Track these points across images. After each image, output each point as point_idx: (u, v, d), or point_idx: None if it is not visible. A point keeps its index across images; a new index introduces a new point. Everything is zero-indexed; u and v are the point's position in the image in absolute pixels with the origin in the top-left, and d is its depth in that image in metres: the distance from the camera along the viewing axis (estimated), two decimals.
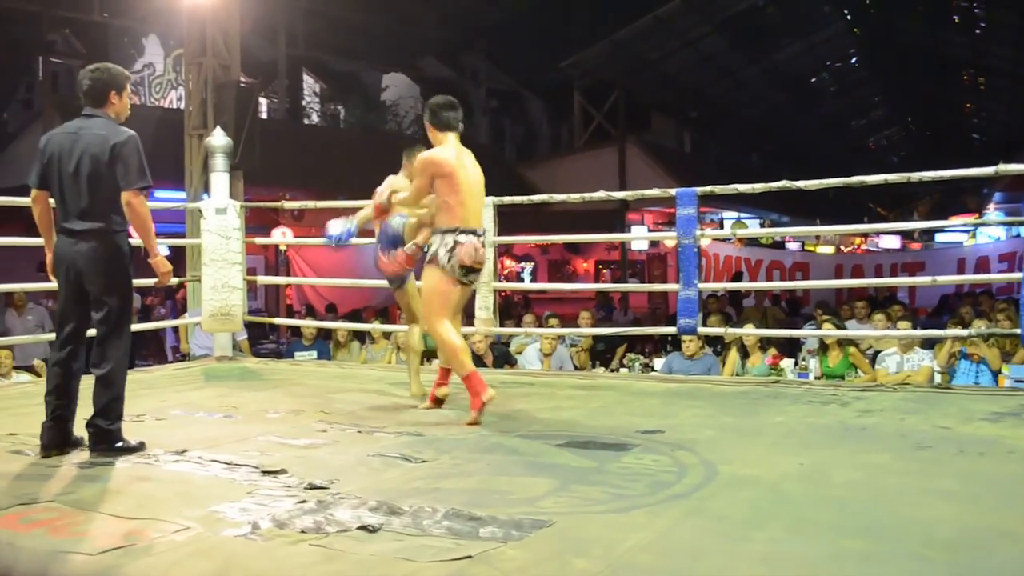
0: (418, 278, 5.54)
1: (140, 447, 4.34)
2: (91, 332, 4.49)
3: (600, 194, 7.09)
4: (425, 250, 5.25)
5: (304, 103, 21.92)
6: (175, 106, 19.27)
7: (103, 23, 17.42)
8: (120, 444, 4.32)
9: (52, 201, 4.47)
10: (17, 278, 8.00)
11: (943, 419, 4.88)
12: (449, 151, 5.12)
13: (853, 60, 27.63)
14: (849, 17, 23.86)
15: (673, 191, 6.58)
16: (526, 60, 23.87)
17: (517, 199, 7.60)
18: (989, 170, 5.94)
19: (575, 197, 7.15)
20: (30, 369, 8.18)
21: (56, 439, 4.30)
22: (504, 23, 21.29)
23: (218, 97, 11.01)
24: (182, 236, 11.09)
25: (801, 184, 6.33)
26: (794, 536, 2.96)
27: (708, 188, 6.50)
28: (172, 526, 3.07)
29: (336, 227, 5.90)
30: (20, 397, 6.13)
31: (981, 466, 3.89)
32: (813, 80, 28.07)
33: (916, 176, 6.07)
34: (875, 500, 3.38)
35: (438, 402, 5.50)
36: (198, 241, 8.10)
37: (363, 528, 3.01)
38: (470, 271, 5.13)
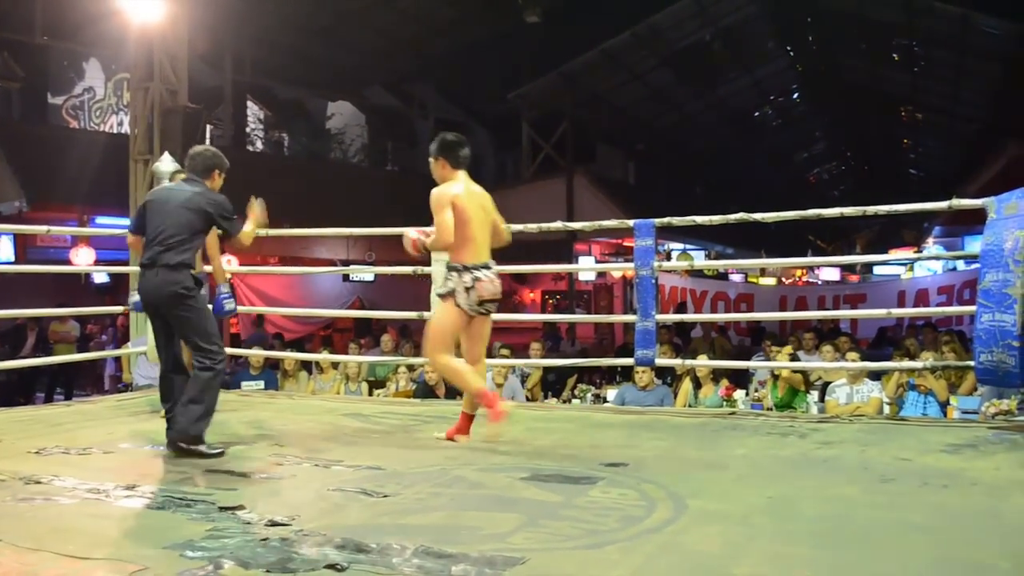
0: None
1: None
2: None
3: (557, 224, 7.07)
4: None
5: (248, 130, 21.68)
6: (115, 131, 18.95)
7: (43, 46, 17.06)
8: None
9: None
10: None
11: (902, 451, 4.90)
12: (459, 186, 5.20)
13: (796, 95, 28.12)
14: (792, 53, 24.32)
15: (631, 222, 6.57)
16: (472, 91, 23.93)
17: None
18: (943, 204, 6.03)
19: (532, 227, 7.11)
20: None
21: None
22: (451, 54, 21.30)
23: (165, 122, 10.82)
24: (126, 263, 10.84)
25: (758, 216, 6.36)
26: (772, 571, 2.92)
27: (666, 220, 6.49)
28: (129, 566, 2.93)
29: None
30: None
31: (947, 499, 3.89)
32: (756, 114, 28.50)
33: (872, 210, 6.13)
34: (848, 534, 3.36)
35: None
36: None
37: (331, 567, 2.91)
38: (487, 302, 5.23)
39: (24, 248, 14.29)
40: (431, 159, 5.35)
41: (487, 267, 5.23)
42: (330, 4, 17.02)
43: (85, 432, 5.76)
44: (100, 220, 13.70)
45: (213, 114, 17.76)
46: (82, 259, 12.80)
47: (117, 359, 11.92)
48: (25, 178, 13.71)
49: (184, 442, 4.82)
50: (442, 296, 5.22)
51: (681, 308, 16.88)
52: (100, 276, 16.19)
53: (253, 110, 22.12)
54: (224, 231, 5.35)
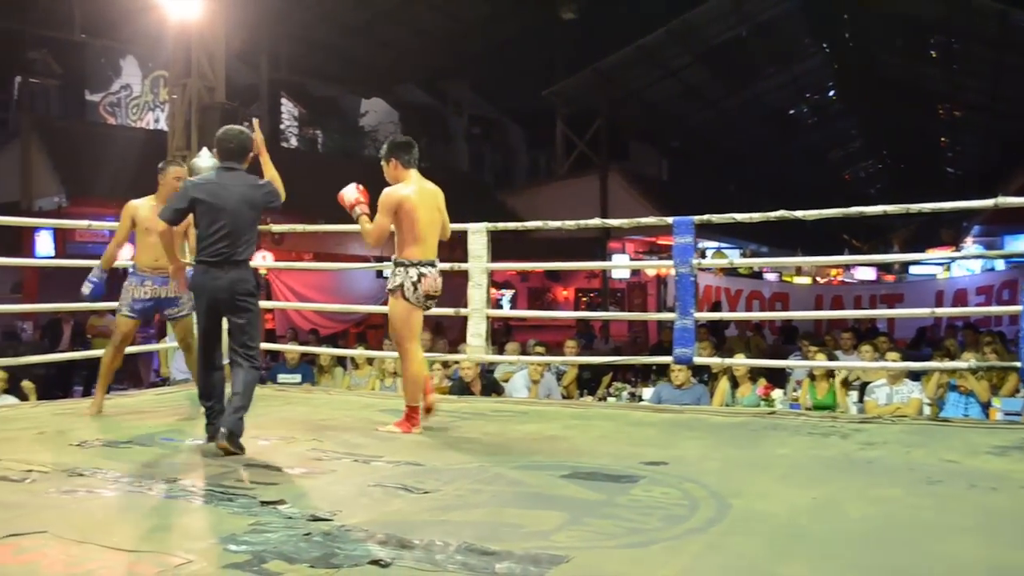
0: None
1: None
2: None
3: (595, 221, 7.05)
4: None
5: (283, 127, 21.79)
6: (152, 127, 19.11)
7: (81, 43, 17.24)
8: None
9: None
10: None
11: (948, 452, 4.82)
12: (410, 188, 5.49)
13: (831, 93, 27.88)
14: (828, 50, 24.10)
15: (670, 219, 6.51)
16: (506, 88, 23.90)
17: (511, 225, 7.53)
18: (988, 202, 5.93)
19: (570, 224, 7.07)
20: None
21: None
22: (485, 51, 21.31)
23: (202, 119, 10.89)
24: None
25: (799, 214, 6.29)
26: (820, 573, 2.88)
27: (705, 217, 6.44)
28: (174, 559, 2.94)
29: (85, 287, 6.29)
30: (1, 421, 5.95)
31: (996, 501, 3.82)
32: (792, 112, 28.29)
33: (915, 207, 6.04)
34: (895, 536, 3.31)
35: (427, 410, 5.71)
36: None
37: (375, 563, 2.89)
38: (429, 298, 5.58)
39: (64, 243, 14.45)
40: (382, 162, 5.61)
41: (432, 264, 5.57)
42: (365, 1, 17.06)
43: (125, 426, 5.79)
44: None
45: (248, 111, 17.86)
46: (124, 254, 12.90)
47: (156, 353, 12.02)
48: (64, 174, 13.88)
49: (237, 442, 4.79)
50: (392, 291, 5.54)
51: (716, 307, 16.78)
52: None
53: (288, 107, 22.24)
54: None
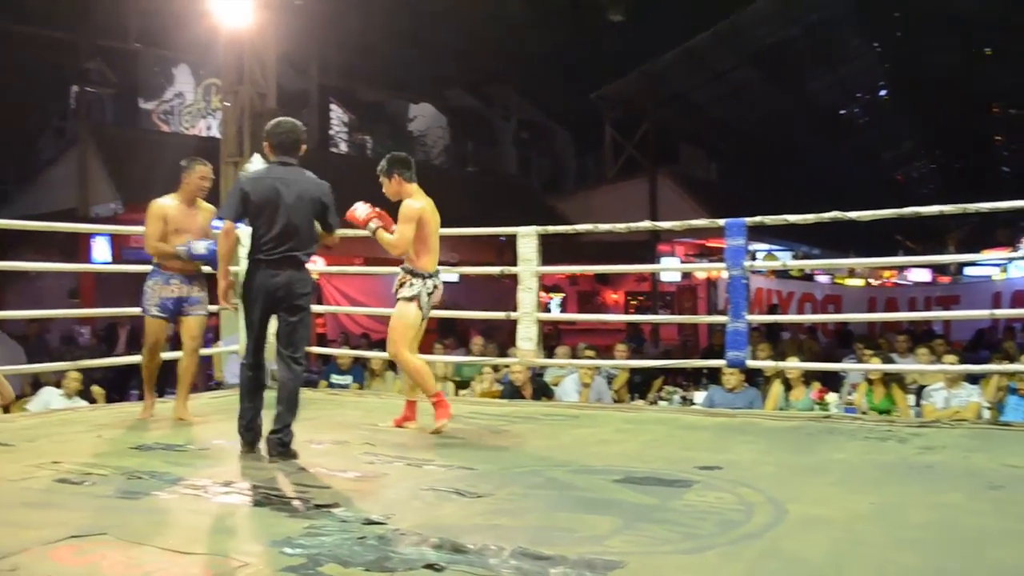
0: None
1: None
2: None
3: (646, 223, 7.02)
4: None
5: (332, 133, 21.97)
6: (204, 134, 19.36)
7: (135, 52, 17.53)
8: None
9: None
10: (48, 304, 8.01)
11: (1010, 457, 4.73)
12: (421, 202, 5.69)
13: (882, 92, 27.49)
14: (879, 49, 23.76)
15: (722, 221, 6.46)
16: (553, 91, 23.88)
17: (561, 229, 7.52)
18: None
19: (620, 227, 7.04)
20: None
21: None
22: (532, 55, 21.30)
23: (254, 125, 10.99)
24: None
25: (853, 215, 6.21)
26: None
27: (758, 218, 6.38)
28: (231, 562, 2.97)
29: (199, 247, 6.04)
30: (60, 424, 6.06)
31: None
32: (842, 112, 27.93)
33: (972, 207, 5.94)
34: (957, 542, 3.25)
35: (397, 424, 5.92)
36: (235, 268, 8.03)
37: (429, 567, 2.89)
38: (433, 308, 5.82)
39: (120, 248, 14.69)
40: (383, 178, 5.73)
41: (439, 275, 5.80)
42: (413, 7, 17.14)
43: (180, 429, 5.88)
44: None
45: (298, 117, 18.04)
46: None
47: (208, 357, 12.15)
48: (120, 181, 14.11)
49: (291, 451, 4.78)
50: (408, 299, 5.66)
51: (773, 310, 16.63)
52: None
53: (337, 113, 22.41)
54: (328, 226, 5.10)
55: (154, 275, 6.12)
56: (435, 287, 5.73)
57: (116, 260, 14.21)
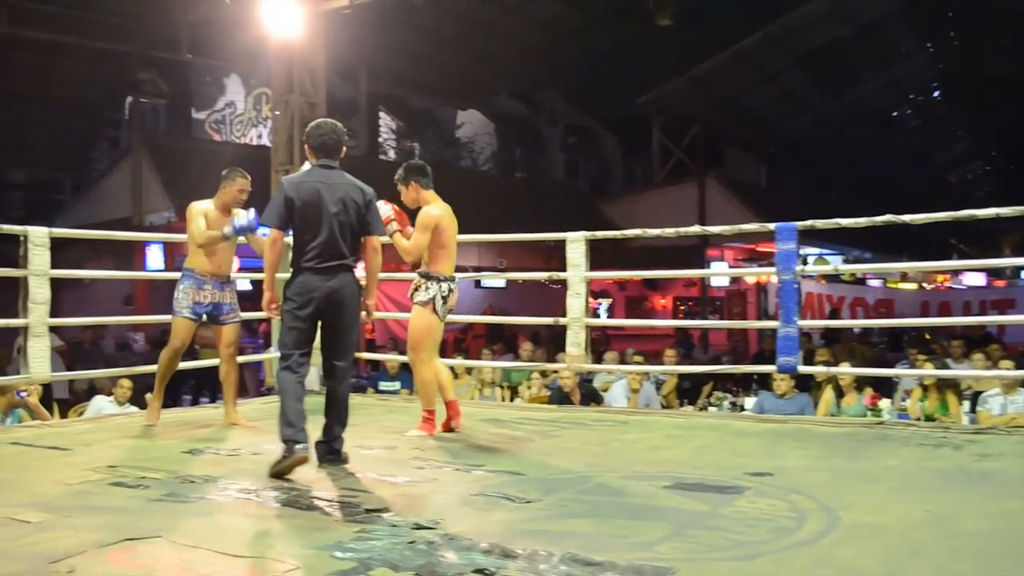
0: None
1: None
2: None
3: (695, 228, 6.97)
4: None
5: (381, 140, 22.13)
6: (255, 143, 19.60)
7: (187, 63, 17.78)
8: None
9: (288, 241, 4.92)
10: (103, 311, 8.13)
11: None
12: (439, 208, 5.75)
13: (936, 93, 27.06)
14: (932, 50, 23.40)
15: (772, 226, 6.40)
16: (600, 96, 23.84)
17: (610, 234, 7.50)
18: None
19: (669, 232, 7.01)
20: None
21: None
22: (579, 60, 21.27)
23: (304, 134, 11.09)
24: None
25: (906, 218, 6.12)
26: None
27: (809, 222, 6.31)
28: (283, 565, 2.99)
29: (241, 219, 5.99)
30: (115, 429, 6.16)
31: None
32: (895, 114, 27.54)
33: None
34: (1015, 551, 3.19)
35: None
36: (285, 275, 8.10)
37: (479, 572, 2.90)
38: (449, 312, 5.88)
39: (173, 256, 14.90)
40: (400, 186, 5.78)
41: (455, 280, 5.85)
42: (461, 14, 17.20)
43: (233, 434, 5.94)
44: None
45: (348, 125, 18.21)
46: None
47: (261, 363, 12.28)
48: (173, 190, 14.34)
49: (343, 458, 4.82)
50: (423, 303, 5.72)
51: (834, 315, 16.49)
52: (243, 283, 16.73)
53: (386, 120, 22.58)
54: (371, 229, 4.92)
55: (187, 279, 6.16)
56: (450, 291, 5.78)
57: (169, 268, 14.41)
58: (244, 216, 5.97)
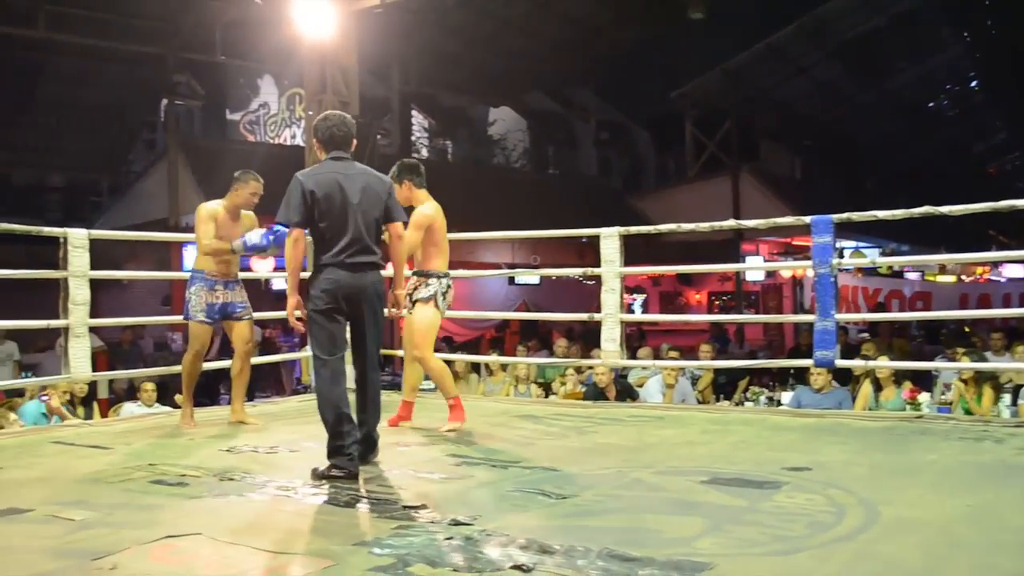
0: None
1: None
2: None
3: (730, 222, 6.94)
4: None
5: (414, 138, 22.20)
6: (289, 143, 19.73)
7: (222, 65, 17.94)
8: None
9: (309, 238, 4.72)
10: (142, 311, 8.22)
11: None
12: (432, 207, 5.87)
13: (973, 84, 26.69)
14: (969, 39, 23.09)
15: (808, 219, 6.34)
16: (632, 92, 23.75)
17: (644, 229, 7.47)
18: None
19: (703, 226, 6.97)
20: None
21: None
22: (611, 56, 21.20)
23: None
24: (305, 269, 11.25)
25: (944, 209, 6.03)
26: None
27: (845, 215, 6.25)
28: (321, 561, 3.01)
29: (254, 237, 6.01)
30: (154, 428, 6.23)
31: None
32: (931, 105, 27.21)
33: None
34: None
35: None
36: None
37: (517, 568, 2.90)
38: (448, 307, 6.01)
39: None
40: (395, 184, 5.61)
41: (449, 276, 5.97)
42: (492, 12, 17.21)
43: (271, 432, 6.00)
44: (277, 229, 14.27)
45: (380, 124, 18.28)
46: (262, 267, 13.35)
47: (297, 362, 12.37)
48: (208, 191, 14.43)
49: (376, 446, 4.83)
50: (425, 300, 5.80)
51: (879, 308, 16.34)
52: (279, 283, 16.86)
53: (418, 119, 22.64)
54: (393, 217, 4.81)
55: (197, 281, 6.13)
56: (449, 286, 5.92)
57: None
58: (257, 235, 5.99)
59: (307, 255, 4.96)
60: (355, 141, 4.79)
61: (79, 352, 6.38)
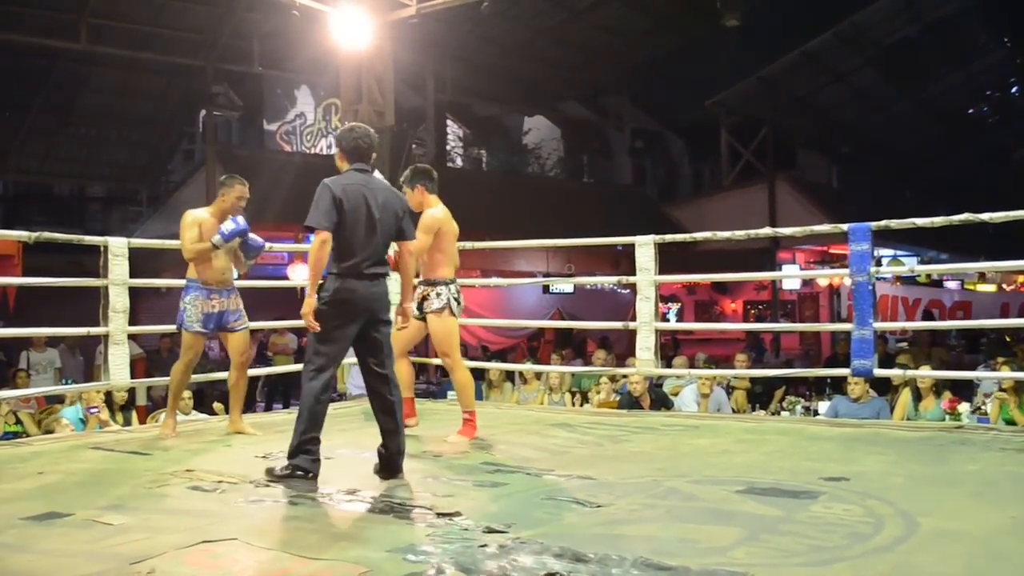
0: None
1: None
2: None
3: (767, 230, 6.90)
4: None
5: (449, 147, 22.27)
6: (325, 152, 19.85)
7: (259, 76, 18.11)
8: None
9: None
10: None
11: None
12: (442, 211, 5.88)
13: (1014, 89, 26.37)
14: (1009, 45, 22.82)
15: (845, 226, 6.29)
16: (667, 100, 23.69)
17: (680, 237, 7.44)
18: None
19: (739, 234, 6.93)
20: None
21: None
22: (645, 64, 21.15)
23: None
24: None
25: (985, 217, 5.97)
26: None
27: (884, 223, 6.19)
28: (357, 568, 3.02)
29: (227, 225, 5.99)
30: (192, 434, 6.28)
31: None
32: (971, 111, 26.91)
33: None
34: None
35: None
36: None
37: (550, 575, 2.90)
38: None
39: None
40: (406, 187, 5.82)
41: (456, 283, 5.96)
42: (526, 21, 17.24)
43: None
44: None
45: (416, 133, 18.36)
46: (298, 275, 13.44)
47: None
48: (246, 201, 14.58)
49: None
50: (439, 310, 5.81)
51: (929, 316, 16.18)
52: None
53: (453, 128, 22.71)
54: (406, 234, 4.87)
55: (193, 290, 6.07)
56: (458, 291, 5.93)
57: (240, 277, 14.66)
58: (229, 222, 5.97)
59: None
60: (375, 155, 4.85)
61: (119, 359, 6.46)
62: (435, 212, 5.84)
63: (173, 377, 6.23)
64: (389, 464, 4.62)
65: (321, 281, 4.61)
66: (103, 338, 6.53)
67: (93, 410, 7.79)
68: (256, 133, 20.96)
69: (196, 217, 6.07)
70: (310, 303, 4.55)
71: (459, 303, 5.90)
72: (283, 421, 6.57)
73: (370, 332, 4.64)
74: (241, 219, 6.00)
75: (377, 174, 5.07)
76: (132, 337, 6.76)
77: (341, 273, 4.56)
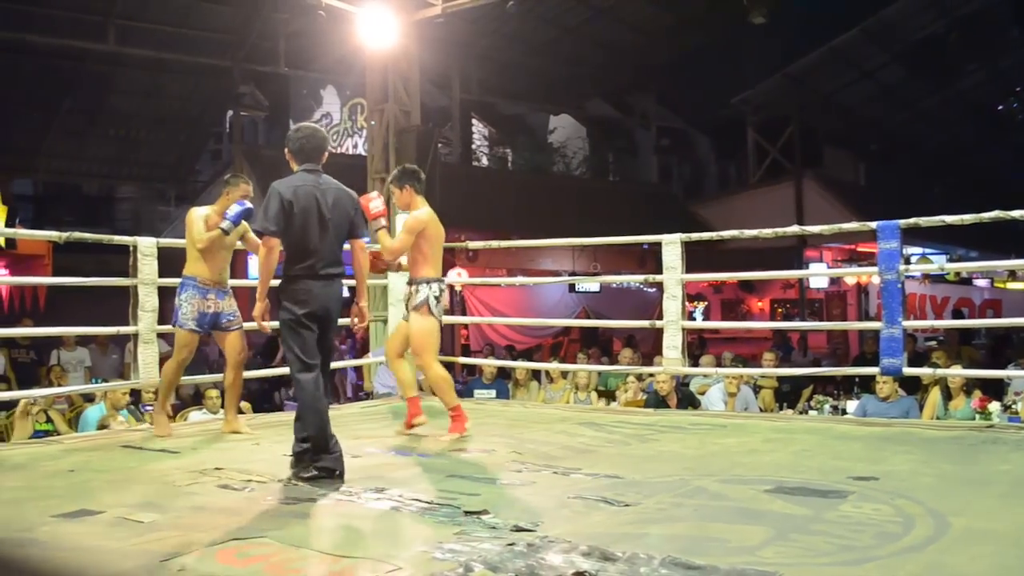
0: None
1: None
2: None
3: (794, 228, 6.85)
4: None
5: (474, 147, 22.30)
6: (351, 152, 19.94)
7: (285, 76, 18.20)
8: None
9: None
10: None
11: None
12: (427, 212, 5.92)
13: None
14: None
15: (873, 224, 6.25)
16: (693, 98, 23.60)
17: (706, 235, 7.41)
18: None
19: (767, 232, 6.90)
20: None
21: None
22: (671, 62, 21.08)
23: (399, 142, 11.28)
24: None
25: (1016, 214, 5.90)
26: None
27: (912, 220, 6.13)
28: (385, 565, 3.03)
29: (233, 210, 5.98)
30: (221, 434, 6.32)
31: None
32: (1000, 108, 26.65)
33: None
34: None
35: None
36: (383, 281, 8.24)
37: (578, 574, 2.90)
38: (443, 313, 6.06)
39: None
40: (395, 187, 5.93)
41: (442, 281, 6.01)
42: (551, 19, 17.22)
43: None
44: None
45: (442, 132, 18.40)
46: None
47: (357, 368, 12.51)
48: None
49: None
50: (418, 307, 5.87)
51: (959, 315, 16.04)
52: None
53: (478, 127, 22.74)
54: (360, 233, 4.99)
55: (189, 288, 6.07)
56: (441, 291, 5.95)
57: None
58: (235, 206, 5.97)
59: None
60: (326, 154, 4.92)
61: (148, 358, 6.52)
62: (420, 214, 5.89)
63: (164, 376, 6.27)
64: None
65: (277, 283, 4.75)
66: (132, 337, 6.58)
67: (147, 408, 7.91)
68: (282, 133, 20.95)
69: (201, 215, 6.14)
70: (260, 307, 4.83)
71: (439, 302, 5.91)
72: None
73: (325, 328, 4.74)
74: (247, 201, 6.01)
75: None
76: (161, 336, 6.80)
77: (297, 275, 4.65)
